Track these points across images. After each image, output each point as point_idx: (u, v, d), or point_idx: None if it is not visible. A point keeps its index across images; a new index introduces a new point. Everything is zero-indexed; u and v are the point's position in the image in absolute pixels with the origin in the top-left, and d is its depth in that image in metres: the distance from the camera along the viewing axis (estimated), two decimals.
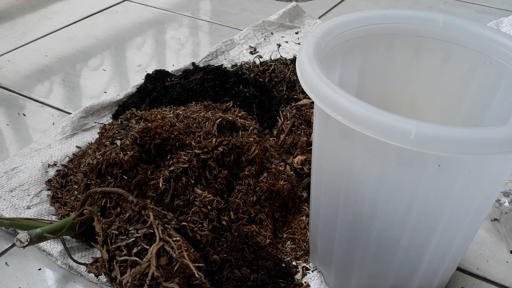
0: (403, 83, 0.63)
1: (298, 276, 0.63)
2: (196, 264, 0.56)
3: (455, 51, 0.58)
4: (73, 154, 0.82)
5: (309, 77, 0.47)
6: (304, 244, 0.67)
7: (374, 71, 0.62)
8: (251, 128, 0.79)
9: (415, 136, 0.40)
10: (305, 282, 0.63)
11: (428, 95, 0.63)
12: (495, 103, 0.56)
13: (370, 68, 0.62)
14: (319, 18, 1.33)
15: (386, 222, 0.51)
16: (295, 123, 0.84)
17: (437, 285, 0.60)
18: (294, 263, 0.66)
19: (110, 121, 0.90)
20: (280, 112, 0.88)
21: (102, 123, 0.89)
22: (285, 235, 0.69)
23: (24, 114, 0.93)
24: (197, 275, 0.54)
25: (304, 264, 0.65)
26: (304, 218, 0.71)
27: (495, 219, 0.72)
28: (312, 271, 0.64)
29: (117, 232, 0.58)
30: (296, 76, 0.89)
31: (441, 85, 0.61)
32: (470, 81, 0.58)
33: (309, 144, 0.80)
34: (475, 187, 0.47)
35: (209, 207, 0.66)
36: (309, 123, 0.84)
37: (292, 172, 0.75)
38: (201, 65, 1.05)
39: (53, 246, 0.66)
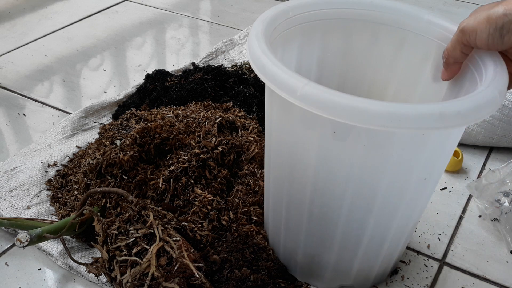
0: (361, 68, 0.64)
1: None
2: (196, 264, 0.56)
3: (410, 38, 0.60)
4: (73, 154, 0.82)
5: (253, 49, 0.49)
6: None
7: (334, 55, 0.63)
8: (251, 127, 0.79)
9: (300, 93, 0.43)
10: (305, 282, 0.63)
11: (384, 79, 0.64)
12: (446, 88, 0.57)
13: (330, 51, 0.63)
14: None
15: (326, 197, 0.52)
16: None
17: (378, 269, 0.61)
18: None
19: (110, 121, 0.90)
20: None
21: (102, 123, 0.89)
22: None
23: (24, 114, 0.93)
24: (197, 275, 0.54)
25: None
26: None
27: (495, 219, 0.72)
28: None
29: (117, 232, 0.58)
30: None
31: (396, 70, 0.63)
32: (424, 67, 0.59)
33: None
34: (406, 164, 0.48)
35: (209, 207, 0.66)
36: None
37: None
38: (201, 65, 1.05)
39: (53, 246, 0.66)
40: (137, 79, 1.03)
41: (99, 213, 0.63)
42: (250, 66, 1.04)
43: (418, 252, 0.69)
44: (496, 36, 0.46)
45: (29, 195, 0.74)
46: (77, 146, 0.84)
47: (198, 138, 0.71)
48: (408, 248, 0.69)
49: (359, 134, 0.45)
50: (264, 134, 0.84)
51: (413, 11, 0.58)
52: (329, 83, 0.64)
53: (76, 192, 0.73)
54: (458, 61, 0.52)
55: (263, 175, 0.71)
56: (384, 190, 0.50)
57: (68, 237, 0.67)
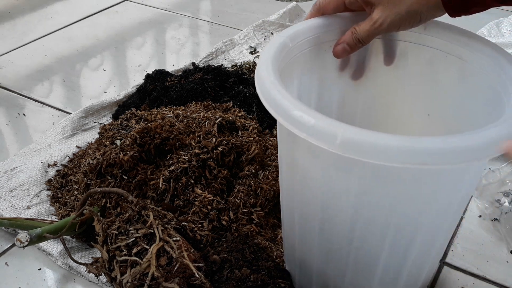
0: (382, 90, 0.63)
1: None
2: (196, 264, 0.56)
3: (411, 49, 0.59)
4: (73, 154, 0.82)
5: (261, 79, 0.46)
6: None
7: (332, 80, 0.61)
8: (251, 127, 0.79)
9: (341, 141, 0.39)
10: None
11: (388, 95, 0.63)
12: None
13: (327, 77, 0.60)
14: None
15: (366, 241, 0.50)
16: None
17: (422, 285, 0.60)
18: None
19: (110, 121, 0.90)
20: None
21: (102, 123, 0.89)
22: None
23: (24, 114, 0.93)
24: (197, 275, 0.54)
25: None
26: None
27: (495, 219, 0.72)
28: None
29: (117, 232, 0.58)
30: None
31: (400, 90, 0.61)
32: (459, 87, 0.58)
33: None
34: (446, 195, 0.47)
35: (209, 207, 0.66)
36: None
37: None
38: (201, 65, 1.05)
39: (53, 246, 0.66)
40: (137, 79, 1.03)
41: (99, 213, 0.63)
42: (250, 66, 1.04)
43: None
44: None
45: (29, 195, 0.74)
46: (77, 146, 0.84)
47: (198, 138, 0.71)
48: None
49: (400, 172, 0.43)
50: (264, 134, 0.84)
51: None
52: (328, 106, 0.63)
53: (76, 192, 0.73)
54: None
55: (265, 177, 0.71)
56: (426, 225, 0.49)
57: (68, 237, 0.67)
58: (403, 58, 0.59)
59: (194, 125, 0.74)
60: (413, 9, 0.50)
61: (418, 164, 0.38)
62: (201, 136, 0.72)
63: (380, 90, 0.63)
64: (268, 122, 0.87)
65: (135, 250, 0.55)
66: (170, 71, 1.00)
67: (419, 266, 0.56)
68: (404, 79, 0.60)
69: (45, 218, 0.70)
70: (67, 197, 0.73)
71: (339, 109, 0.64)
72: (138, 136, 0.69)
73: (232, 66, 1.06)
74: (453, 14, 0.50)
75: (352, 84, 0.62)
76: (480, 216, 0.74)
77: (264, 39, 1.19)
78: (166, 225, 0.59)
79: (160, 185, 0.67)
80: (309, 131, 0.41)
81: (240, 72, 1.00)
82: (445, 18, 0.52)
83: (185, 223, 0.63)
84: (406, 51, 0.58)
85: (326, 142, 0.40)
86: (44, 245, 0.66)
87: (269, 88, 0.45)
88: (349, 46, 0.53)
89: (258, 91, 0.46)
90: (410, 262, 0.53)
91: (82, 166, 0.73)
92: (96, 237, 0.59)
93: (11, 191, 0.74)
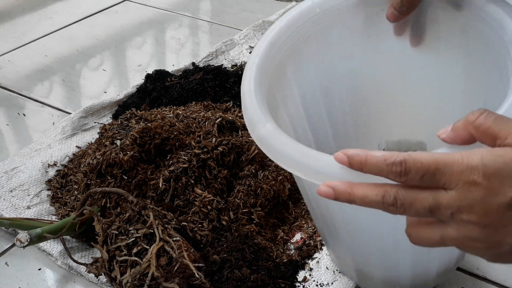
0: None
1: (298, 276, 0.63)
2: (196, 264, 0.56)
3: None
4: (73, 154, 0.82)
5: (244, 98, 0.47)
6: (304, 244, 0.67)
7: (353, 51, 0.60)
8: None
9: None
10: (304, 285, 0.63)
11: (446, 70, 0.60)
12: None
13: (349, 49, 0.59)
14: None
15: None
16: None
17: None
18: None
19: (110, 121, 0.90)
20: None
21: (102, 123, 0.89)
22: (287, 236, 0.69)
23: (24, 114, 0.93)
24: (197, 275, 0.54)
25: (304, 272, 0.65)
26: (305, 216, 0.71)
27: None
28: (312, 277, 0.64)
29: (117, 232, 0.58)
30: None
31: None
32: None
33: None
34: None
35: (209, 207, 0.66)
36: None
37: None
38: (201, 65, 1.05)
39: (53, 246, 0.66)
40: (137, 79, 1.03)
41: (99, 213, 0.63)
42: None
43: None
44: None
45: (29, 195, 0.74)
46: (77, 146, 0.84)
47: (198, 138, 0.71)
48: None
49: None
50: None
51: None
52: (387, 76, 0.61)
53: (76, 192, 0.73)
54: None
55: (265, 177, 0.71)
56: None
57: (68, 237, 0.67)
58: (465, 36, 0.55)
59: (194, 125, 0.74)
60: None
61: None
62: (201, 136, 0.72)
63: (439, 64, 0.59)
64: None
65: (135, 250, 0.55)
66: (170, 71, 1.00)
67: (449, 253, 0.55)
68: (465, 56, 0.56)
69: (45, 218, 0.70)
70: (67, 197, 0.73)
71: (389, 75, 0.62)
72: (138, 136, 0.69)
73: (232, 66, 1.06)
74: None
75: (411, 50, 0.59)
76: None
77: None
78: (166, 225, 0.59)
79: (160, 185, 0.67)
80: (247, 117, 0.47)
81: (240, 72, 1.00)
82: None
83: (185, 223, 0.63)
84: (468, 29, 0.54)
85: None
86: (44, 245, 0.66)
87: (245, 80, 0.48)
88: (395, 9, 0.53)
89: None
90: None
91: (82, 166, 0.73)
92: (96, 237, 0.59)
93: (11, 191, 0.74)
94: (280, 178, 0.72)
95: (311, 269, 0.64)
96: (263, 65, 0.50)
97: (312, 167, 0.39)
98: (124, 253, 0.56)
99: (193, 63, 1.06)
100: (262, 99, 0.47)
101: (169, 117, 0.75)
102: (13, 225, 0.66)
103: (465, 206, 0.32)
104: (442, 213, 0.33)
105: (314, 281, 0.63)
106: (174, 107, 0.83)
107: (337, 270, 0.64)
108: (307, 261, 0.65)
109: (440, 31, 0.57)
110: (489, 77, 0.51)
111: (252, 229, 0.66)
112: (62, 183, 0.76)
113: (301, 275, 0.63)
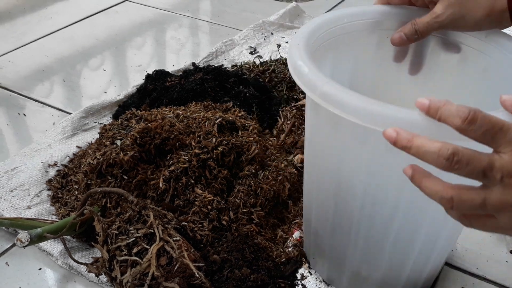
0: (394, 77, 0.63)
1: (298, 275, 0.64)
2: (196, 264, 0.56)
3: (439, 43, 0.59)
4: (74, 154, 0.82)
5: (298, 66, 0.48)
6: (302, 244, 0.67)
7: (365, 65, 0.62)
8: (251, 127, 0.79)
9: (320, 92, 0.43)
10: (303, 283, 0.63)
11: (420, 89, 0.63)
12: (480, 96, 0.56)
13: (361, 62, 0.62)
14: None
15: (376, 214, 0.51)
16: (295, 123, 0.84)
17: (425, 278, 0.60)
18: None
19: (110, 121, 0.90)
20: (280, 112, 0.88)
21: (102, 123, 0.89)
22: (286, 235, 0.70)
23: (24, 114, 0.94)
24: (197, 275, 0.54)
25: (303, 269, 0.65)
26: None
27: None
28: (311, 274, 0.64)
29: (117, 232, 0.58)
30: None
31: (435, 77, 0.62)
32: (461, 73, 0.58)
33: None
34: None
35: (209, 207, 0.66)
36: None
37: (294, 170, 0.75)
38: (201, 65, 1.05)
39: (53, 246, 0.66)
40: (137, 79, 1.03)
41: (99, 213, 0.63)
42: (250, 66, 1.04)
43: None
44: None
45: (29, 195, 0.74)
46: (77, 146, 0.84)
47: (198, 138, 0.72)
48: None
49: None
50: (264, 134, 0.84)
51: None
52: (384, 95, 0.62)
53: (76, 192, 0.73)
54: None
55: (265, 177, 0.71)
56: (431, 215, 0.49)
57: (68, 237, 0.67)
58: (463, 63, 0.59)
59: (194, 125, 0.74)
60: (476, 15, 0.51)
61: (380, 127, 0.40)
62: (201, 136, 0.72)
63: (436, 92, 0.62)
64: (268, 122, 0.87)
65: (135, 250, 0.55)
66: (170, 71, 1.01)
67: (423, 262, 0.56)
68: (461, 85, 0.60)
69: (46, 218, 0.70)
70: (67, 197, 0.73)
71: (389, 98, 0.64)
72: (138, 136, 0.69)
73: (232, 66, 1.06)
74: None
75: (408, 78, 0.63)
76: None
77: (264, 39, 1.19)
78: (166, 225, 0.59)
79: (160, 185, 0.67)
80: (303, 79, 0.45)
81: (240, 72, 1.00)
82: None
83: (185, 223, 0.63)
84: (466, 56, 0.58)
85: (310, 91, 0.45)
86: (45, 245, 0.66)
87: (292, 52, 0.49)
88: (406, 35, 0.55)
89: (288, 52, 0.51)
90: (415, 253, 0.54)
91: (83, 166, 0.73)
92: (96, 237, 0.59)
93: (12, 191, 0.74)
94: (280, 178, 0.72)
95: (309, 267, 0.65)
96: (307, 43, 0.52)
97: (388, 114, 0.40)
98: (124, 253, 0.56)
99: (193, 63, 1.06)
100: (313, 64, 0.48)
101: (169, 117, 0.75)
102: (13, 225, 0.66)
103: None
104: (493, 176, 0.35)
105: (314, 278, 0.63)
106: (174, 107, 0.83)
107: None
108: (306, 261, 0.65)
109: (440, 61, 0.60)
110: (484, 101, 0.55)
111: (252, 229, 0.66)
112: (62, 183, 0.76)
113: (300, 273, 0.64)
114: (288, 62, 0.49)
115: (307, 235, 0.64)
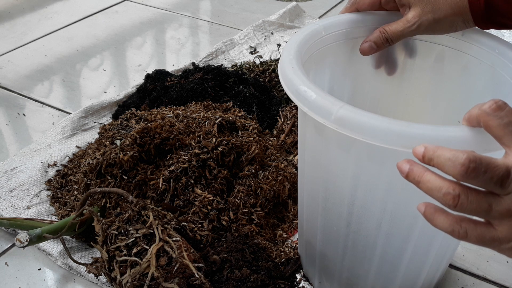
0: (395, 85, 0.63)
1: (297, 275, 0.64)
2: (196, 264, 0.56)
3: (447, 54, 0.59)
4: (73, 154, 0.82)
5: (302, 92, 0.46)
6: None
7: (342, 75, 0.62)
8: (251, 127, 0.79)
9: (335, 117, 0.42)
10: (303, 284, 0.63)
11: (421, 97, 0.63)
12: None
13: (338, 73, 0.61)
14: (319, 18, 1.33)
15: (362, 224, 0.51)
16: (295, 123, 0.84)
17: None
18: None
19: (110, 121, 0.90)
20: (280, 112, 0.88)
21: (102, 123, 0.89)
22: (286, 234, 0.69)
23: (24, 114, 0.93)
24: (197, 275, 0.54)
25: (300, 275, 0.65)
26: None
27: None
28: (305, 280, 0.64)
29: (117, 232, 0.58)
30: None
31: (434, 86, 0.62)
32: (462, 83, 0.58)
33: None
34: None
35: (209, 207, 0.66)
36: None
37: (294, 170, 0.75)
38: (201, 65, 1.05)
39: (53, 246, 0.66)
40: (137, 79, 1.03)
41: (99, 213, 0.63)
42: (250, 66, 1.04)
43: None
44: None
45: (29, 195, 0.74)
46: (77, 146, 0.84)
47: (198, 138, 0.71)
48: None
49: (397, 157, 0.42)
50: (264, 134, 0.84)
51: None
52: (362, 102, 0.64)
53: (76, 192, 0.73)
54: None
55: (265, 177, 0.71)
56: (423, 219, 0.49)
57: (68, 237, 0.67)
58: (440, 62, 0.59)
59: (194, 125, 0.74)
60: (450, 17, 0.50)
61: (406, 148, 0.39)
62: (201, 136, 0.72)
63: (414, 92, 0.63)
64: (268, 122, 0.87)
65: (135, 250, 0.55)
66: (170, 71, 1.00)
67: (417, 269, 0.56)
68: (439, 84, 0.60)
69: (45, 218, 0.70)
70: (67, 197, 0.73)
71: (372, 106, 0.65)
72: (138, 136, 0.69)
73: (232, 66, 1.06)
74: (481, 26, 0.50)
75: (387, 83, 0.63)
76: None
77: (264, 39, 1.19)
78: (166, 225, 0.58)
79: (160, 185, 0.67)
80: (310, 105, 0.44)
81: (240, 72, 1.00)
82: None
83: (185, 223, 0.63)
84: (443, 55, 0.58)
85: (322, 117, 0.43)
86: (44, 245, 0.66)
87: (284, 65, 0.48)
88: (376, 44, 0.55)
89: (279, 67, 0.50)
90: (407, 258, 0.53)
91: (82, 166, 0.73)
92: (96, 237, 0.59)
93: (11, 191, 0.74)
94: (280, 178, 0.72)
95: (303, 275, 0.64)
96: (298, 63, 0.51)
97: (413, 134, 0.39)
98: (124, 253, 0.56)
99: (193, 63, 1.06)
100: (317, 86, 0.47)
101: (169, 117, 0.75)
102: (13, 225, 0.66)
103: None
104: (509, 184, 0.34)
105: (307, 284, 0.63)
106: (174, 107, 0.83)
107: None
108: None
109: (415, 62, 0.61)
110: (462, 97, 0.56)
111: (252, 229, 0.66)
112: (62, 183, 0.76)
113: (300, 273, 0.63)
114: (285, 87, 0.47)
115: (301, 244, 0.64)
